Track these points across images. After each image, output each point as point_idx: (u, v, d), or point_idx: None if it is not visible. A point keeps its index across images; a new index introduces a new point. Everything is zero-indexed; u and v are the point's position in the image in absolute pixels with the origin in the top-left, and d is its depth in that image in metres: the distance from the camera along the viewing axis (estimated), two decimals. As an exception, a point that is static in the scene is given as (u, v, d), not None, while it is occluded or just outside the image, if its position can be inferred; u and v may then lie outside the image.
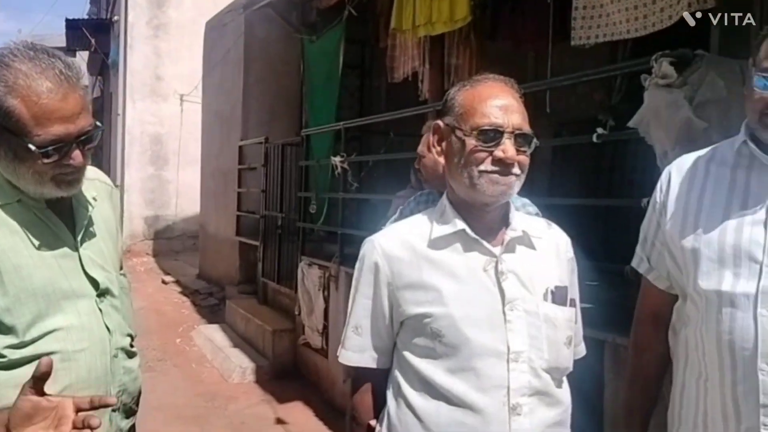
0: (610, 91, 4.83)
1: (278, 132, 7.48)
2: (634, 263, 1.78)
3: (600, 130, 2.81)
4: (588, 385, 2.72)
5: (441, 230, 1.46)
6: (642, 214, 2.74)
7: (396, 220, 2.73)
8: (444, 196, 1.52)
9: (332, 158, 5.29)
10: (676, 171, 1.64)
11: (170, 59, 13.33)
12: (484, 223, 1.45)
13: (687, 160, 1.65)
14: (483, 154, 1.38)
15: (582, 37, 3.33)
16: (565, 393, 1.49)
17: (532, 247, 1.47)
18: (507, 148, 1.37)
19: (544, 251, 1.49)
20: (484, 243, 1.43)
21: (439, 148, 1.49)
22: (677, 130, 2.30)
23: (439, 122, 1.50)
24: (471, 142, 1.39)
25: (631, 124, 2.46)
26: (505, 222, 1.48)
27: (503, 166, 1.38)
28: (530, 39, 4.73)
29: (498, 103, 1.40)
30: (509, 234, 1.45)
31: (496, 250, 1.43)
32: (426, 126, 2.72)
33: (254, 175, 7.68)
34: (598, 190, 5.14)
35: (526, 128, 1.40)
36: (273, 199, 7.03)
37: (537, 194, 2.95)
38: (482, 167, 1.38)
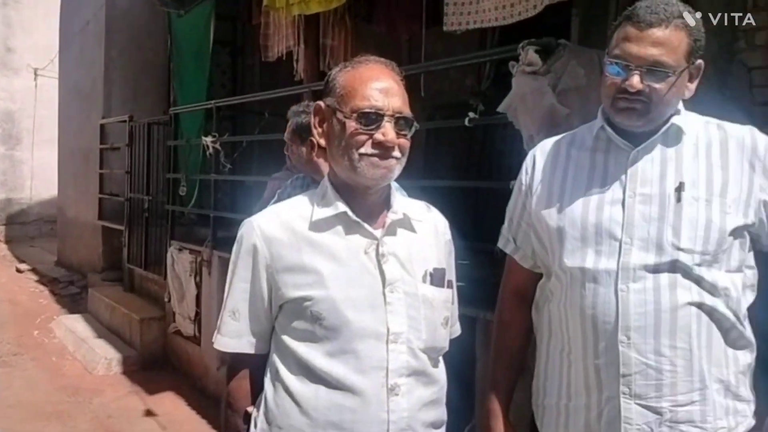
0: (481, 77, 4.99)
1: (144, 110, 7.10)
2: (500, 244, 1.84)
3: (471, 115, 2.89)
4: (460, 360, 2.81)
5: (322, 212, 1.44)
6: (507, 196, 2.88)
7: (275, 202, 2.68)
8: (325, 178, 1.50)
9: (203, 138, 5.09)
10: (540, 154, 1.70)
11: (22, 30, 12.32)
12: (366, 205, 1.45)
13: (549, 144, 1.72)
14: (363, 137, 1.37)
15: (454, 23, 3.41)
16: (440, 372, 1.52)
17: (412, 229, 1.49)
18: (387, 131, 1.37)
19: (423, 234, 1.51)
20: (366, 225, 1.43)
21: (320, 130, 1.47)
22: (542, 116, 2.41)
23: (321, 103, 1.47)
24: (351, 124, 1.38)
25: (500, 109, 2.55)
26: (386, 205, 1.48)
27: (383, 149, 1.37)
28: (405, 23, 4.78)
29: (379, 85, 1.38)
30: (390, 217, 1.46)
31: (378, 232, 1.43)
32: (290, 112, 2.67)
33: (118, 156, 7.26)
34: (470, 172, 5.32)
35: (407, 111, 1.40)
36: (139, 180, 6.69)
37: (412, 176, 3.01)
38: (362, 150, 1.37)
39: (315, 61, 5.05)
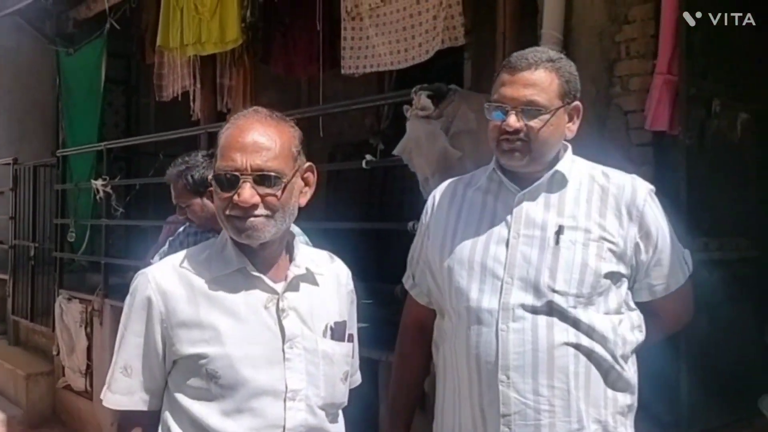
0: (380, 117, 5.07)
1: (30, 152, 6.70)
2: (403, 279, 1.86)
3: (368, 157, 2.92)
4: (363, 403, 2.78)
5: (221, 267, 1.39)
6: (408, 236, 2.91)
7: (166, 252, 2.56)
8: (225, 231, 1.44)
9: (93, 182, 4.86)
10: (439, 195, 1.76)
11: None
12: (265, 259, 1.41)
13: (448, 184, 1.78)
14: (225, 200, 1.34)
15: (351, 66, 3.45)
16: (339, 426, 1.50)
17: (315, 283, 1.46)
18: (242, 191, 1.32)
19: (325, 286, 1.48)
20: (266, 280, 1.39)
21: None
22: (436, 158, 2.46)
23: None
24: (216, 188, 1.35)
25: (395, 152, 2.58)
26: (288, 256, 1.45)
27: (242, 211, 1.33)
28: (302, 65, 4.80)
29: (241, 143, 1.34)
30: (293, 271, 1.42)
31: (278, 286, 1.40)
32: (169, 174, 2.52)
33: (1, 201, 6.80)
34: (372, 211, 5.35)
35: (272, 167, 1.34)
36: (24, 226, 6.29)
37: (314, 218, 2.98)
38: (227, 212, 1.34)
39: (212, 100, 4.96)
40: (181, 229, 2.64)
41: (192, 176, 2.40)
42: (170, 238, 2.61)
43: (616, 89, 2.72)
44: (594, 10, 2.70)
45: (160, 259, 2.14)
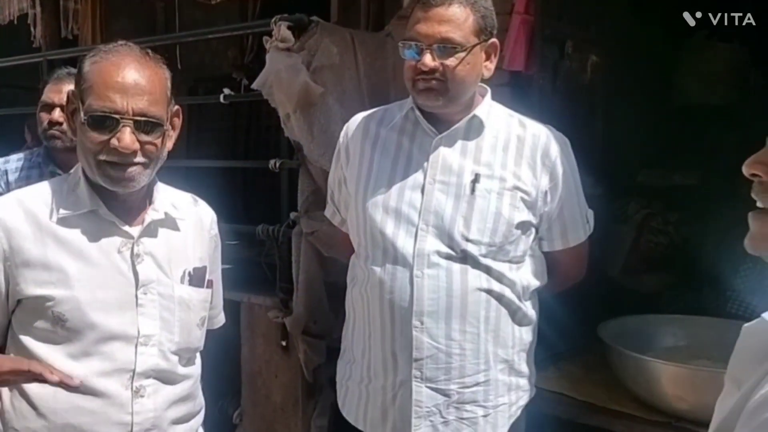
0: (244, 50, 4.83)
1: None
2: (327, 214, 1.86)
3: (227, 91, 2.78)
4: (225, 344, 2.74)
5: (72, 206, 1.32)
6: (272, 176, 2.83)
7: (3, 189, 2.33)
8: (78, 168, 1.36)
9: None
10: (352, 132, 1.71)
11: None
12: (122, 202, 1.35)
13: (359, 119, 1.72)
14: (98, 143, 1.26)
15: (207, -9, 3.22)
16: (194, 368, 1.49)
17: (175, 228, 1.42)
18: (123, 136, 1.25)
19: (187, 231, 1.44)
20: (120, 224, 1.33)
21: (72, 121, 1.33)
22: (297, 94, 2.37)
23: (72, 90, 1.32)
24: (85, 127, 1.26)
25: (254, 86, 2.47)
26: (148, 199, 1.38)
27: (121, 156, 1.26)
28: (158, -12, 4.45)
29: (120, 81, 1.25)
30: (150, 215, 1.37)
31: (135, 230, 1.35)
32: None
33: None
34: (238, 148, 5.16)
35: (154, 111, 1.28)
36: None
37: (176, 155, 2.82)
38: (100, 156, 1.26)
39: (55, 26, 4.51)
40: (17, 156, 2.40)
41: None
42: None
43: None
44: (457, -55, 2.67)
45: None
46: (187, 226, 1.45)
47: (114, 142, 1.25)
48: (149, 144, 1.29)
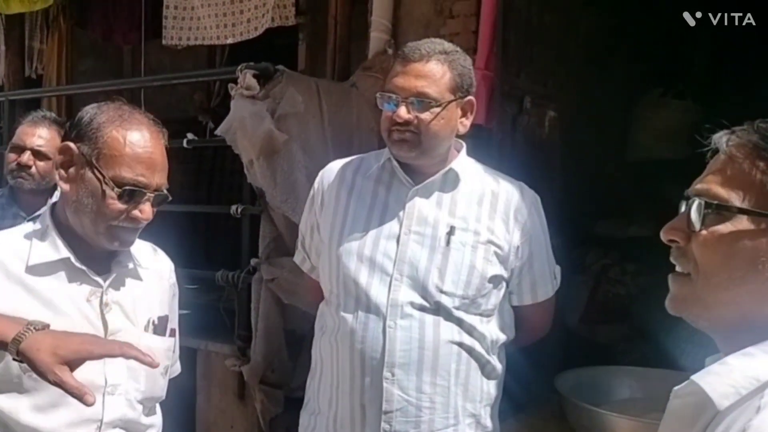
0: (210, 94, 4.85)
1: None
2: (296, 260, 1.83)
3: (190, 136, 2.77)
4: (181, 393, 2.67)
5: (42, 255, 1.31)
6: (234, 221, 2.82)
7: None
8: (48, 215, 1.36)
9: None
10: (328, 179, 1.71)
11: None
12: (91, 251, 1.34)
13: (336, 167, 1.72)
14: (120, 210, 1.29)
15: (174, 37, 3.26)
16: (156, 417, 1.47)
17: (138, 278, 1.42)
18: (146, 209, 1.31)
19: (149, 280, 1.45)
20: (90, 273, 1.33)
21: (65, 174, 1.32)
22: (261, 141, 2.39)
23: (72, 146, 1.31)
24: (111, 194, 1.28)
25: (218, 132, 2.47)
26: (113, 251, 1.39)
27: (136, 223, 1.32)
28: (123, 31, 4.45)
29: (147, 158, 1.29)
30: (117, 265, 1.38)
31: (102, 279, 1.35)
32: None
33: None
34: (201, 192, 5.13)
35: (164, 185, 1.34)
36: None
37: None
38: (115, 222, 1.29)
39: (19, 64, 4.49)
40: None
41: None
42: None
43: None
44: (421, 2, 2.76)
45: None
46: (148, 275, 1.46)
47: (137, 213, 1.30)
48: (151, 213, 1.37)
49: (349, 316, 1.58)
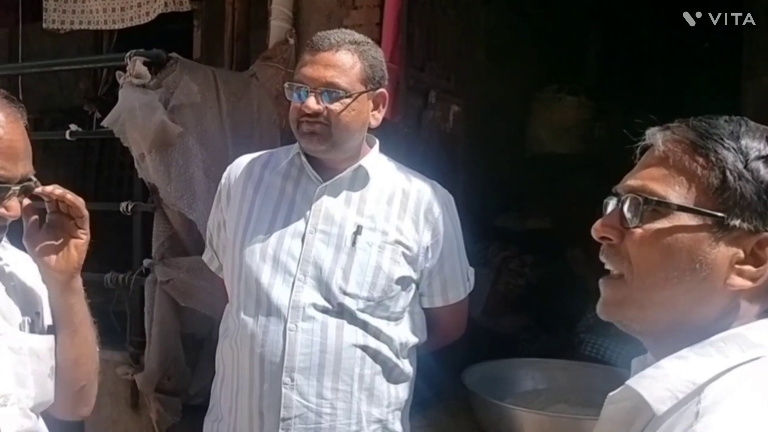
0: (97, 82, 4.56)
1: None
2: (205, 258, 1.74)
3: (73, 127, 2.57)
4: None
5: None
6: (125, 219, 2.64)
7: None
8: None
9: None
10: (235, 173, 1.63)
11: None
12: None
13: (245, 162, 1.64)
14: None
15: (56, 20, 3.02)
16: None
17: (9, 277, 1.30)
18: (12, 205, 1.15)
19: (23, 276, 1.32)
20: None
21: None
22: (153, 133, 2.24)
23: None
24: None
25: (105, 123, 2.30)
26: None
27: (2, 222, 1.18)
28: (-2, 13, 4.09)
29: (5, 146, 1.12)
30: None
31: None
32: None
33: None
34: (87, 189, 4.82)
35: (32, 172, 1.18)
36: None
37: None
38: None
39: None
40: None
41: None
42: None
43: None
44: (323, -10, 2.69)
45: None
46: (18, 272, 1.33)
47: (2, 211, 1.15)
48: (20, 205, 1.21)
49: (249, 319, 1.50)
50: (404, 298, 1.57)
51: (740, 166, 0.72)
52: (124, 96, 2.26)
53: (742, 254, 0.73)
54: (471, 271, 1.72)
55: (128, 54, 2.30)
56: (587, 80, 4.48)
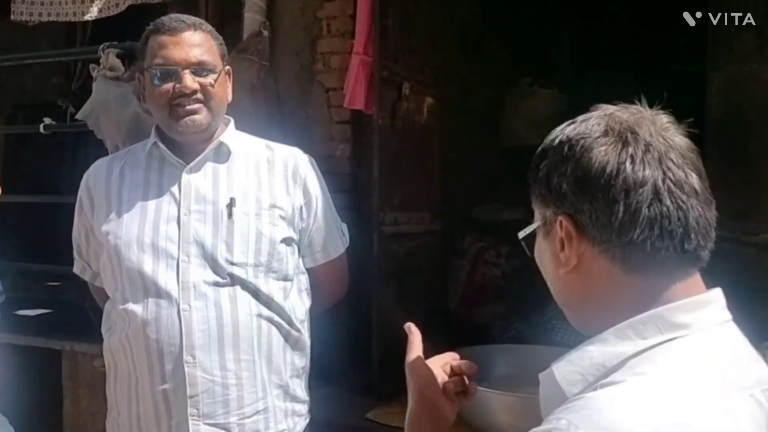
0: (71, 76, 4.51)
1: None
2: (76, 270, 1.72)
3: (47, 120, 2.56)
4: (42, 398, 2.47)
5: None
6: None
7: None
8: None
9: None
10: (93, 178, 1.62)
11: None
12: None
13: (102, 164, 1.65)
14: None
15: (23, 12, 2.98)
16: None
17: None
18: None
19: None
20: None
21: None
22: (127, 125, 2.24)
23: None
24: None
25: (79, 116, 2.30)
26: None
27: None
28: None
29: None
30: None
31: None
32: None
33: None
34: (63, 184, 4.78)
35: None
36: None
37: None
38: None
39: None
40: None
41: None
42: None
43: (318, 66, 2.76)
44: (296, -19, 2.70)
45: None
46: None
47: None
48: None
49: (138, 308, 1.52)
50: (292, 260, 1.63)
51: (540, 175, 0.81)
52: (97, 88, 2.26)
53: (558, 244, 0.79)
54: (344, 226, 1.78)
55: (101, 46, 2.30)
56: (561, 73, 4.53)
